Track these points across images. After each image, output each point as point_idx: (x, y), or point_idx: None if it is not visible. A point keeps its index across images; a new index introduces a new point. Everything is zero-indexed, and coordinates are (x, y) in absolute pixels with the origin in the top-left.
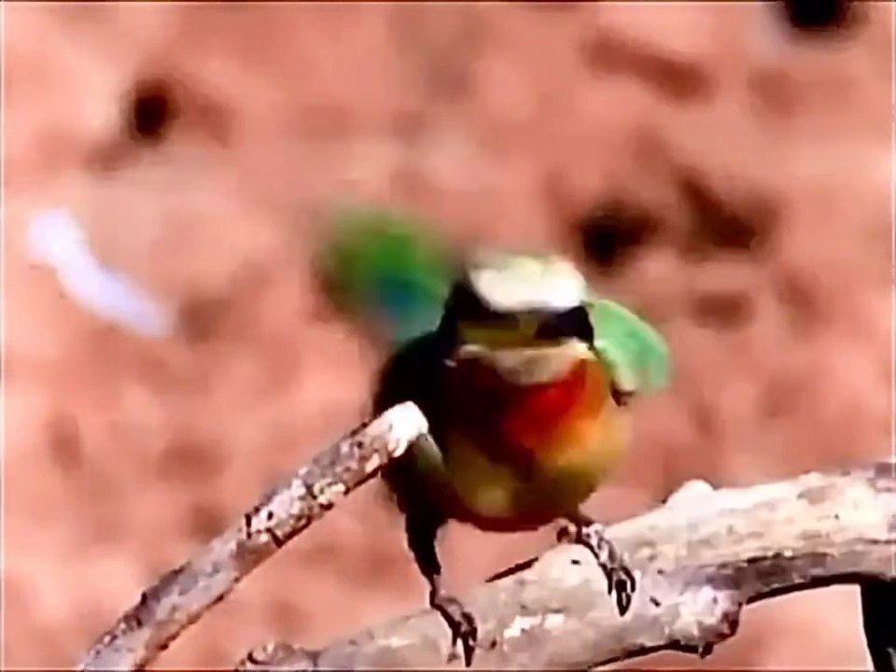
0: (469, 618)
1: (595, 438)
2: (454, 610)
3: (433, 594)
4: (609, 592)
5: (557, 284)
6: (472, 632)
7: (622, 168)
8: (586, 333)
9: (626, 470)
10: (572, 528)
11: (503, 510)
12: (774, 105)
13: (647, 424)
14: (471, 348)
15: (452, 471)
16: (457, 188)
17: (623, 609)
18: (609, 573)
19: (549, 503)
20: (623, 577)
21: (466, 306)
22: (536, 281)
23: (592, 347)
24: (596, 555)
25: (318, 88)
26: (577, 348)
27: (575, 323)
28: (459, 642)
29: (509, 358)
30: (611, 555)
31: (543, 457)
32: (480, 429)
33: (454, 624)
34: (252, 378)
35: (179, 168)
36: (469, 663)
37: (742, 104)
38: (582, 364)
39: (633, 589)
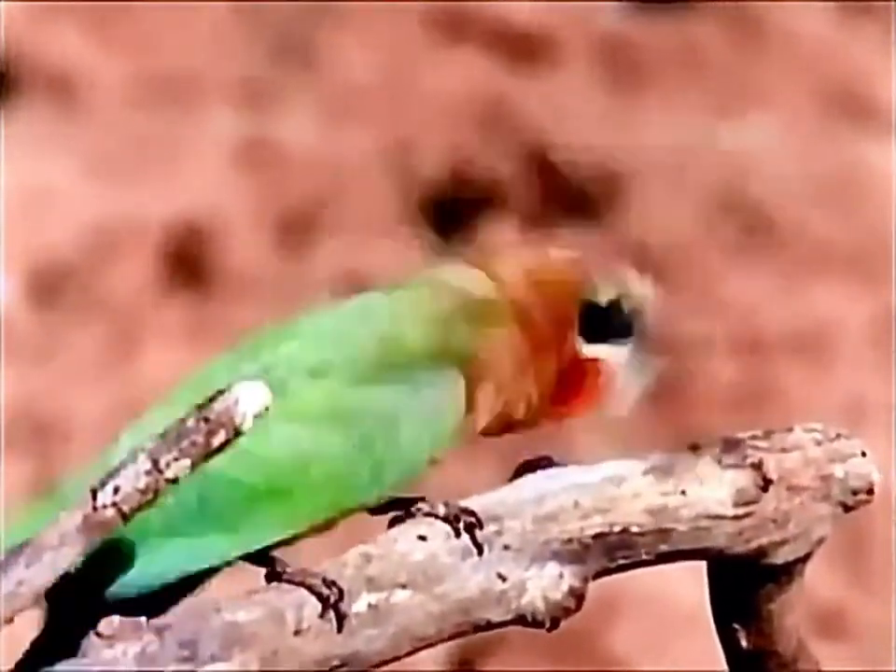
0: (332, 584)
1: None
2: (314, 582)
3: (278, 572)
4: (458, 535)
5: None
6: (341, 596)
7: (467, 138)
8: None
9: (473, 446)
10: (400, 514)
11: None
12: (621, 74)
13: None
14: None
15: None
16: (303, 156)
17: (480, 549)
18: (453, 521)
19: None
20: (470, 519)
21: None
22: None
23: None
24: (435, 515)
25: (165, 58)
26: None
27: None
28: (306, 615)
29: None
30: (448, 506)
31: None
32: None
33: (321, 596)
34: (97, 349)
35: (26, 138)
36: (340, 630)
37: (589, 74)
38: None
39: (481, 527)
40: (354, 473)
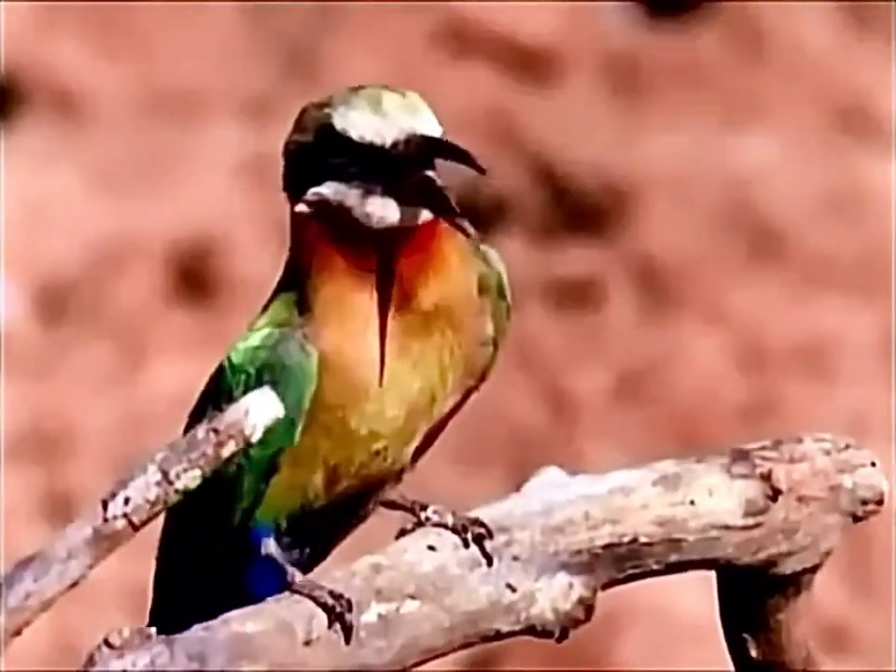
0: (339, 596)
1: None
2: (320, 594)
3: (287, 582)
4: (467, 546)
5: (422, 114)
6: (349, 608)
7: (474, 152)
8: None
9: (480, 456)
10: (409, 525)
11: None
12: (626, 90)
13: (500, 409)
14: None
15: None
16: None
17: (489, 560)
18: (462, 532)
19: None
20: (479, 530)
21: (332, 146)
22: (400, 113)
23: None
24: (444, 525)
25: (169, 72)
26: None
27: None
28: (315, 626)
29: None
30: (457, 516)
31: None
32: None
33: (326, 608)
34: (103, 362)
35: (29, 152)
36: (348, 641)
37: (595, 88)
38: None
39: (490, 538)
40: None
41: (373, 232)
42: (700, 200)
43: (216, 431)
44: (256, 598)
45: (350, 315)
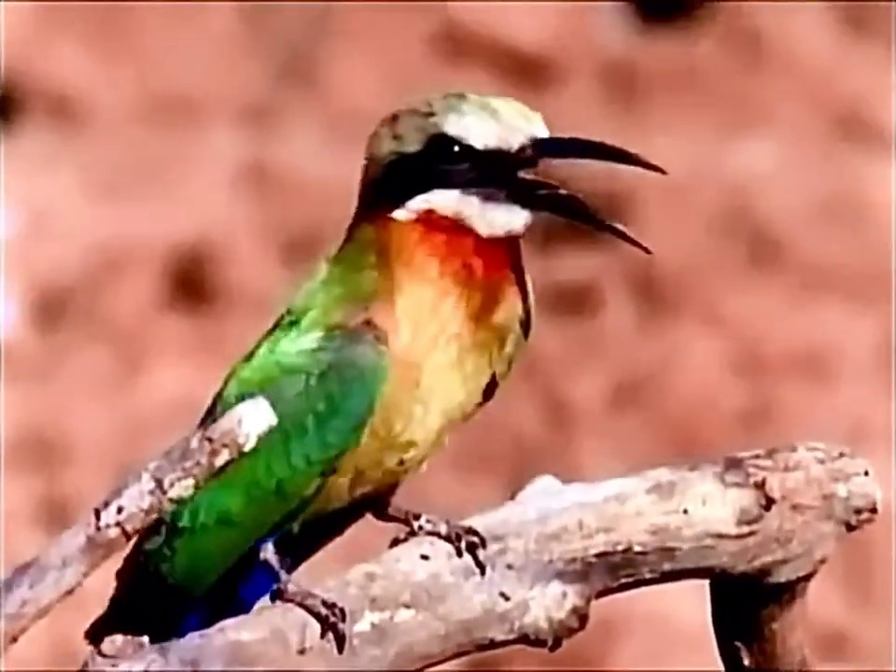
0: (332, 605)
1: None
2: (313, 603)
3: (280, 590)
4: (460, 555)
5: (536, 119)
6: (342, 617)
7: None
8: None
9: (478, 463)
10: (403, 534)
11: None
12: (624, 95)
13: (498, 415)
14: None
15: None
16: (306, 176)
17: (482, 569)
18: (455, 540)
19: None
20: (473, 539)
21: (445, 154)
22: (518, 118)
23: None
24: (437, 534)
25: (167, 79)
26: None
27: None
28: (308, 635)
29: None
30: (450, 525)
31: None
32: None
33: (319, 617)
34: (101, 368)
35: (28, 158)
36: (341, 650)
37: (592, 94)
38: None
39: (484, 547)
40: None
41: (482, 241)
42: (698, 206)
43: (209, 440)
44: (247, 603)
45: (429, 320)
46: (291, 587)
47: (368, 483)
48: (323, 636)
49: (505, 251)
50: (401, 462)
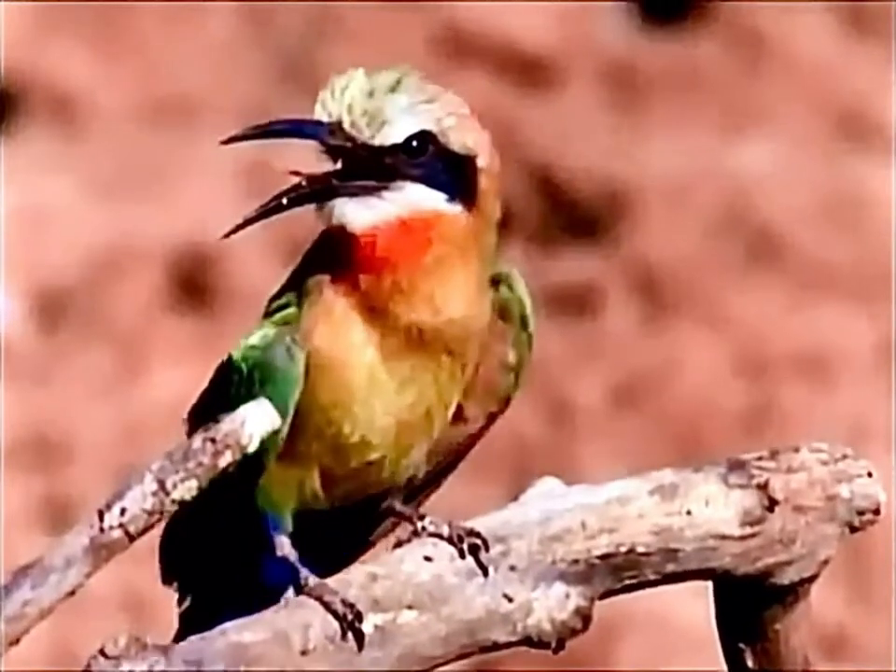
0: (352, 605)
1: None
2: (332, 600)
3: (300, 584)
4: (463, 557)
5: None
6: (359, 617)
7: None
8: None
9: (480, 465)
10: (405, 536)
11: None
12: (625, 96)
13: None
14: None
15: None
16: None
17: (485, 570)
18: (458, 542)
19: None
20: (475, 540)
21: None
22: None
23: None
24: (440, 535)
25: (168, 79)
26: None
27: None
28: (312, 636)
29: None
30: (452, 527)
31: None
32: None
33: (337, 615)
34: (101, 369)
35: (28, 159)
36: (360, 648)
37: (593, 95)
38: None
39: (486, 549)
40: None
41: (349, 240)
42: (698, 206)
43: (212, 441)
44: (270, 588)
45: (342, 321)
46: (313, 581)
47: (342, 481)
48: (343, 636)
49: (374, 247)
50: (370, 464)
